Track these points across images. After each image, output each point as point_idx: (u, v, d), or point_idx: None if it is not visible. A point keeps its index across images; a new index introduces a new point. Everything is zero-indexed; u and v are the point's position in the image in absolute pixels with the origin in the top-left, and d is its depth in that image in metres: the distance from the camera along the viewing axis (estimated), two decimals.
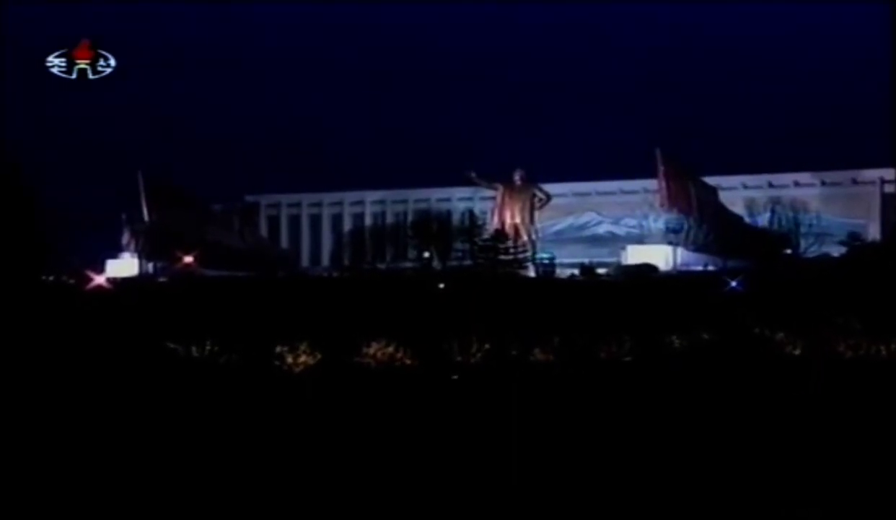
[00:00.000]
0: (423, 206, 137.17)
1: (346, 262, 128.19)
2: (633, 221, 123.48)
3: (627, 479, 36.55)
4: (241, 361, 62.04)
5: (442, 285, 78.58)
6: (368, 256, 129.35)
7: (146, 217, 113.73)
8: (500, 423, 46.07)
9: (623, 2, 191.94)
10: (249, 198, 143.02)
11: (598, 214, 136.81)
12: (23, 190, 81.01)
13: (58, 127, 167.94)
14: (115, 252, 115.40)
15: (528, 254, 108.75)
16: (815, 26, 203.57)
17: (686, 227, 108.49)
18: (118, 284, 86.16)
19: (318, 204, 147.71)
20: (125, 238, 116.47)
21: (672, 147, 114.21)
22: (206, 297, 74.82)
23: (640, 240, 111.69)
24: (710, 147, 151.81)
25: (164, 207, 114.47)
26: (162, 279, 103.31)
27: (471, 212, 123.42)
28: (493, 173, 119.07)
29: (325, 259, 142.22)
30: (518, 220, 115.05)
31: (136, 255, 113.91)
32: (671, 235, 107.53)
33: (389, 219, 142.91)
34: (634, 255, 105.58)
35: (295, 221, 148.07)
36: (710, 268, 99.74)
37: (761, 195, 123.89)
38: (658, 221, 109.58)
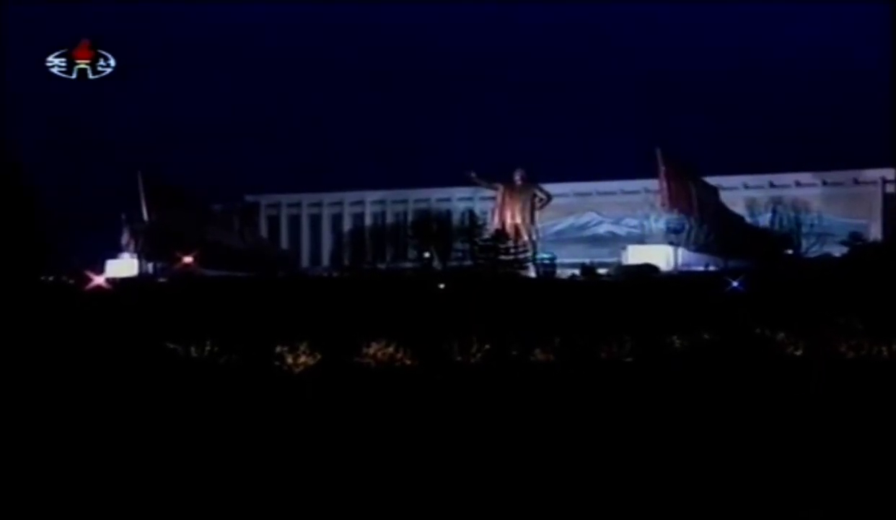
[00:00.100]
0: (423, 206, 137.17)
1: (346, 262, 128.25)
2: (633, 222, 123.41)
3: (628, 479, 36.40)
4: (240, 362, 61.93)
5: (442, 286, 78.52)
6: (368, 257, 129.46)
7: (146, 217, 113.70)
8: (501, 423, 45.98)
9: (623, 2, 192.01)
10: (249, 198, 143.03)
11: (599, 214, 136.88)
12: (23, 190, 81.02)
13: (58, 127, 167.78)
14: (114, 252, 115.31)
15: (529, 254, 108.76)
16: (815, 26, 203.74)
17: (687, 227, 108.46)
18: (118, 284, 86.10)
19: (318, 204, 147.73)
20: (125, 238, 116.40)
21: (672, 147, 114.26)
22: (206, 297, 74.71)
23: (641, 240, 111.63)
24: (710, 147, 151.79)
25: (163, 207, 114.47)
26: (162, 279, 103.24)
27: (471, 212, 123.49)
28: (494, 173, 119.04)
29: (325, 259, 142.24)
30: (518, 220, 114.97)
31: (135, 255, 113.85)
32: (672, 236, 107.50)
33: (389, 219, 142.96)
34: (635, 255, 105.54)
35: (295, 221, 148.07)
36: (711, 268, 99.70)
37: (762, 195, 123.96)
38: (659, 222, 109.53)
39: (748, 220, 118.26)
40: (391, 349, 63.00)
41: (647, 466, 38.30)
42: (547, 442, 43.17)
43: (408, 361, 62.78)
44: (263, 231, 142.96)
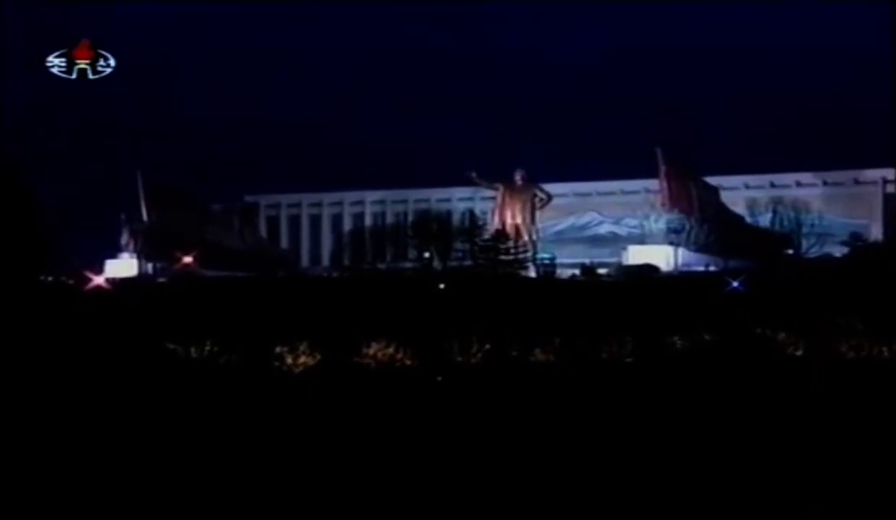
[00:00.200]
0: (423, 206, 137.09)
1: (346, 262, 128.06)
2: (634, 222, 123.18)
3: (628, 479, 36.38)
4: (240, 362, 61.92)
5: (442, 286, 78.44)
6: (368, 256, 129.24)
7: (145, 217, 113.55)
8: (501, 423, 45.95)
9: (624, 2, 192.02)
10: (249, 198, 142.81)
11: (599, 214, 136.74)
12: (23, 190, 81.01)
13: (58, 127, 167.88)
14: (114, 252, 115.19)
15: (529, 254, 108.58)
16: (816, 26, 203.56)
17: (687, 227, 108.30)
18: (117, 284, 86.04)
19: (318, 204, 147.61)
20: (124, 238, 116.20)
21: (673, 147, 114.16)
22: (206, 297, 74.63)
23: (642, 240, 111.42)
24: (710, 147, 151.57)
25: (163, 208, 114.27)
26: (161, 280, 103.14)
27: (471, 212, 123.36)
28: (494, 173, 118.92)
29: (325, 259, 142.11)
30: (519, 220, 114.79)
31: (135, 255, 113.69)
32: (672, 236, 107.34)
33: (389, 219, 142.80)
34: (635, 255, 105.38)
35: (295, 221, 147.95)
36: (712, 268, 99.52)
37: (763, 195, 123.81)
38: (659, 222, 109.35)
39: (749, 220, 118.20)
40: (391, 349, 62.98)
41: (647, 466, 38.27)
42: (547, 442, 43.15)
43: (408, 362, 62.76)
44: (263, 231, 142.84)
